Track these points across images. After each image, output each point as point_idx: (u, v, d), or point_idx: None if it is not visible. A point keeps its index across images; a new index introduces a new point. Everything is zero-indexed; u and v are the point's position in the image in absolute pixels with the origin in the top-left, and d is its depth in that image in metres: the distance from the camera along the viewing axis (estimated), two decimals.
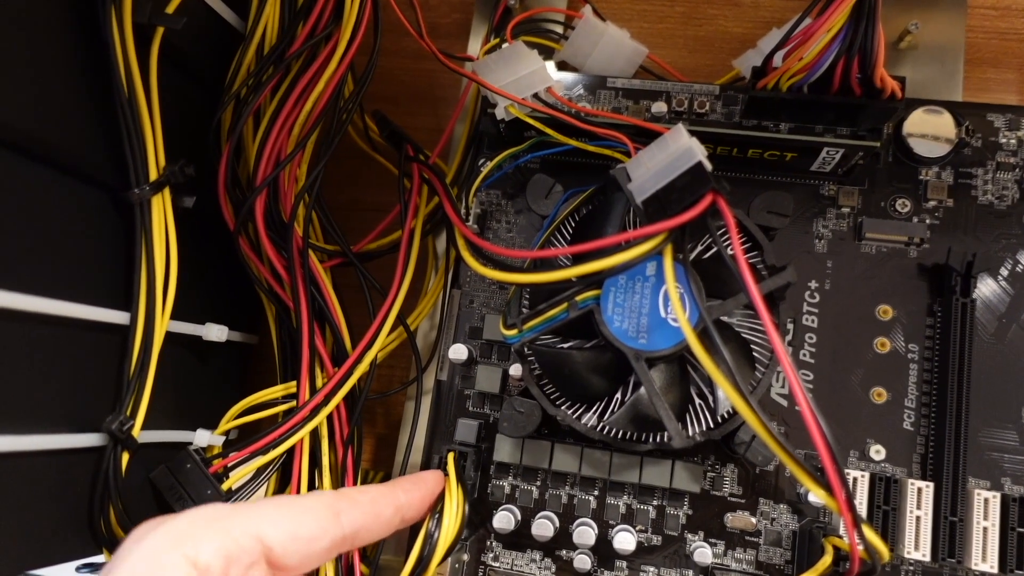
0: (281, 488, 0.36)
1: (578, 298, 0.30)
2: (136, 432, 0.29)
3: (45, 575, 0.27)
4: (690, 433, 0.29)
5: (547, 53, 0.41)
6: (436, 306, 0.39)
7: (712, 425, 0.30)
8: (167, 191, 0.29)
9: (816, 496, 0.24)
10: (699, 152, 0.27)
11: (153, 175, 0.29)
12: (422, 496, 0.30)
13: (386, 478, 0.44)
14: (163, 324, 0.29)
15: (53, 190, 0.27)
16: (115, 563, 0.21)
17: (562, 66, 0.40)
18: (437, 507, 0.31)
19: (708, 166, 0.26)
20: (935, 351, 0.33)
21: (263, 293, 0.36)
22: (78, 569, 0.30)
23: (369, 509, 0.27)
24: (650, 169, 0.28)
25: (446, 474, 0.33)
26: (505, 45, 0.35)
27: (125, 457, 0.29)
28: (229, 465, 0.33)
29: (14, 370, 0.25)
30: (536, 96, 0.33)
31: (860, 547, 0.24)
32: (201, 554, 0.21)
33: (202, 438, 0.34)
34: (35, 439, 0.26)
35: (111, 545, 0.29)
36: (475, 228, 0.37)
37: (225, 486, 0.32)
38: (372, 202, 0.42)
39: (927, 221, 0.34)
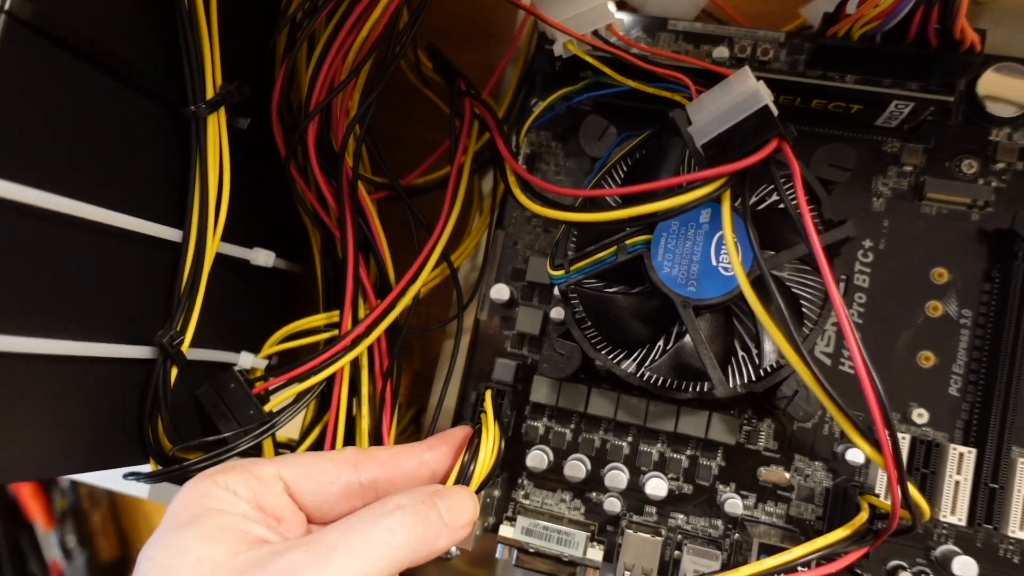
0: (319, 415, 0.37)
1: (628, 242, 0.30)
2: (185, 348, 0.29)
3: (98, 478, 0.28)
4: (731, 384, 0.29)
5: None
6: (478, 247, 0.39)
7: (755, 378, 0.30)
8: (223, 111, 0.29)
9: (862, 450, 0.23)
10: (766, 96, 0.26)
11: (210, 93, 0.29)
12: (448, 450, 0.30)
13: (419, 414, 0.44)
14: (214, 243, 0.30)
15: (114, 100, 0.27)
16: (170, 505, 0.25)
17: (621, 6, 0.39)
18: (474, 443, 0.31)
19: (775, 111, 0.26)
20: (989, 317, 0.32)
21: (310, 221, 0.36)
22: (125, 476, 0.31)
23: (389, 462, 0.28)
24: (712, 112, 0.27)
25: (483, 411, 0.33)
26: None
27: (174, 371, 0.29)
28: (271, 388, 0.33)
29: (70, 277, 0.26)
30: (596, 34, 0.32)
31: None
32: (230, 482, 0.24)
33: (246, 360, 0.35)
34: (89, 346, 0.27)
35: (158, 455, 0.30)
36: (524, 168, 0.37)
37: (267, 408, 0.33)
38: (419, 137, 0.42)
39: (993, 184, 0.33)
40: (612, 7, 0.34)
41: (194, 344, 0.30)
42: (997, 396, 0.31)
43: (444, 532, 0.25)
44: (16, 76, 0.22)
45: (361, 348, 0.33)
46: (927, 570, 0.31)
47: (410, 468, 0.28)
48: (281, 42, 0.34)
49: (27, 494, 0.68)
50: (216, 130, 0.29)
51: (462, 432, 0.31)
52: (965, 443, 0.31)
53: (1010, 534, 0.30)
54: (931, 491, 0.31)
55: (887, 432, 0.23)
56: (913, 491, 0.24)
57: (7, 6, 0.21)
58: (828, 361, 0.33)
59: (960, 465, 0.31)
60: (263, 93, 0.34)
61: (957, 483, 0.31)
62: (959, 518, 0.30)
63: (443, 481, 0.29)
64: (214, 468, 0.26)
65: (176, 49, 0.28)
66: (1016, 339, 0.30)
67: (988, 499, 0.30)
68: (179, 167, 0.30)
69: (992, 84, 0.33)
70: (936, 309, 0.33)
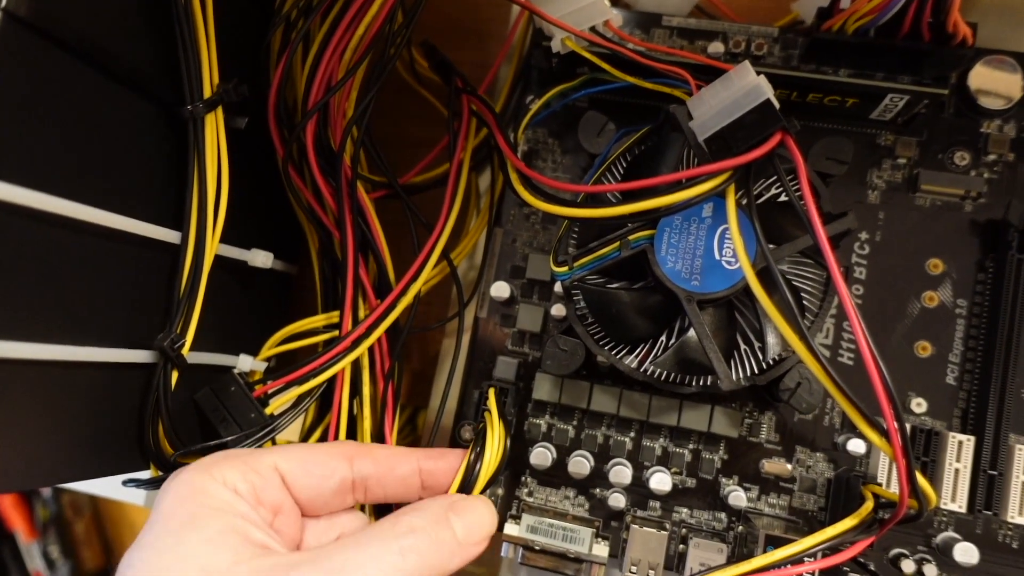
0: (320, 417, 0.37)
1: (631, 237, 0.30)
2: (186, 351, 0.29)
3: (93, 486, 0.28)
4: (735, 378, 0.29)
5: None
6: (476, 246, 0.38)
7: (758, 371, 0.30)
8: (220, 110, 0.29)
9: (870, 440, 0.24)
10: (767, 90, 0.26)
11: (207, 92, 0.28)
12: (445, 469, 0.29)
13: (415, 414, 0.44)
14: (213, 245, 0.29)
15: (110, 100, 0.26)
16: (158, 498, 0.24)
17: (615, 2, 0.39)
18: (479, 442, 0.31)
19: (776, 104, 0.26)
20: (984, 307, 0.32)
21: (307, 221, 0.36)
22: (125, 483, 0.30)
23: (383, 462, 0.27)
24: (714, 107, 0.27)
25: (487, 409, 0.33)
26: None
27: (175, 375, 0.29)
28: (270, 391, 0.33)
29: (67, 280, 0.25)
30: (593, 29, 0.32)
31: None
32: (228, 477, 0.24)
33: (245, 363, 0.35)
34: (87, 351, 0.26)
35: (158, 460, 0.30)
36: None
37: (267, 411, 0.32)
38: (414, 136, 0.42)
39: (985, 175, 0.33)
40: (608, 3, 0.34)
41: (193, 347, 0.30)
42: (994, 384, 0.31)
43: (458, 553, 0.25)
44: (12, 75, 0.22)
45: (362, 349, 0.33)
46: (928, 557, 0.31)
47: (403, 473, 0.28)
48: (276, 40, 0.34)
49: (8, 504, 0.67)
50: (214, 130, 0.29)
51: (461, 454, 0.30)
52: (963, 431, 0.32)
53: (1009, 520, 0.30)
54: (931, 479, 0.31)
55: (895, 421, 0.23)
56: (920, 479, 0.24)
57: (3, 4, 0.21)
58: (827, 352, 0.34)
59: (959, 453, 0.31)
60: (259, 92, 0.33)
61: (957, 471, 0.31)
62: (959, 505, 0.31)
63: (444, 490, 0.29)
64: (208, 459, 0.25)
65: (173, 48, 0.27)
66: (1011, 328, 0.31)
67: (987, 486, 0.31)
68: (176, 168, 0.29)
69: (983, 77, 0.33)
70: (932, 299, 0.33)
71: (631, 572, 0.31)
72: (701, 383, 0.30)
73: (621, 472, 0.33)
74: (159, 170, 0.29)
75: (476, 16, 0.43)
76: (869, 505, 0.28)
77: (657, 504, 0.34)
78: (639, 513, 0.34)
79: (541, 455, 0.34)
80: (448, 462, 0.29)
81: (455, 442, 0.35)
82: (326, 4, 0.33)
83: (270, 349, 0.35)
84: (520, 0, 0.33)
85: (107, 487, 0.30)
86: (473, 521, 0.26)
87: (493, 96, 0.39)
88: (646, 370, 0.30)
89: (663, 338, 0.31)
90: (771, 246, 0.29)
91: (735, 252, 0.28)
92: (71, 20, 0.23)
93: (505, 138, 0.32)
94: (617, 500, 0.33)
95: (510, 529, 0.32)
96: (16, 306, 0.23)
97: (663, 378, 0.30)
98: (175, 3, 0.26)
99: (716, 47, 0.35)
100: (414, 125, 0.42)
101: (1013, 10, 0.35)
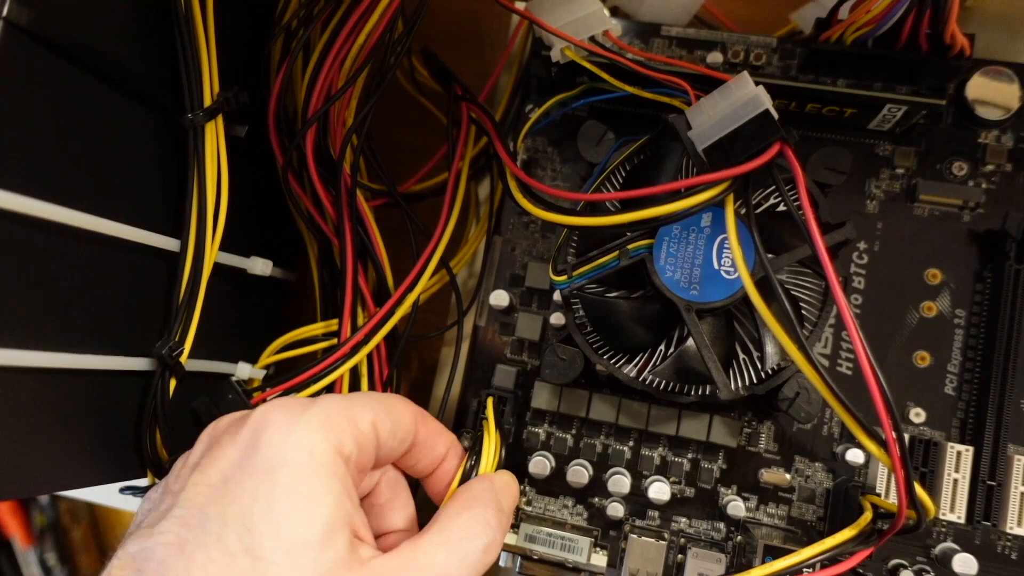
0: None
1: (630, 246, 0.30)
2: (184, 359, 0.29)
3: (90, 494, 0.27)
4: (734, 387, 0.29)
5: None
6: (476, 255, 0.38)
7: (756, 380, 0.30)
8: (220, 118, 0.29)
9: (869, 450, 0.24)
10: (766, 100, 0.26)
11: (207, 101, 0.28)
12: (455, 465, 0.29)
13: None
14: (212, 253, 0.29)
15: (111, 108, 0.26)
16: (252, 442, 0.22)
17: (615, 12, 0.40)
18: (476, 449, 0.31)
19: (775, 115, 0.26)
20: (982, 317, 0.32)
21: (306, 229, 0.36)
22: (122, 491, 0.30)
23: (428, 439, 0.27)
24: (712, 117, 0.27)
25: (484, 418, 0.33)
26: None
27: (173, 383, 0.29)
28: (268, 399, 0.33)
29: (65, 287, 0.25)
30: (593, 39, 0.32)
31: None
32: (344, 446, 0.23)
33: (243, 371, 0.35)
34: (85, 358, 0.26)
35: (156, 468, 0.29)
36: None
37: None
38: (413, 144, 0.42)
39: (983, 185, 0.33)
40: (608, 13, 0.34)
41: (191, 355, 0.30)
42: (992, 394, 0.31)
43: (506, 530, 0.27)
44: (13, 83, 0.22)
45: (360, 356, 0.33)
46: (928, 568, 0.31)
47: (436, 455, 0.28)
48: (276, 50, 0.34)
49: (4, 511, 0.66)
50: (214, 138, 0.29)
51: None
52: (962, 441, 0.32)
53: (1008, 530, 0.30)
54: (930, 489, 0.31)
55: (893, 431, 0.23)
56: (919, 490, 0.24)
57: (4, 13, 0.21)
58: (826, 362, 0.33)
59: (958, 463, 0.31)
60: (259, 100, 0.33)
61: (955, 481, 0.31)
62: (958, 516, 0.31)
63: (446, 489, 0.29)
64: (318, 412, 0.23)
65: (173, 56, 0.28)
66: (1009, 338, 0.31)
67: (986, 496, 0.31)
68: (176, 176, 0.29)
69: (980, 88, 0.33)
70: (930, 309, 0.33)
71: None
72: (700, 392, 0.30)
73: (620, 481, 0.33)
74: (159, 178, 0.29)
75: (476, 25, 0.44)
76: (868, 516, 0.28)
77: (656, 513, 0.34)
78: (638, 522, 0.34)
79: (540, 464, 0.34)
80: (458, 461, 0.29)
81: None
82: (326, 13, 0.33)
83: (269, 357, 0.35)
84: (519, 10, 0.33)
85: (104, 494, 0.30)
86: (512, 500, 0.28)
87: (493, 105, 0.39)
88: (645, 379, 0.30)
89: (662, 347, 0.31)
90: (770, 256, 0.29)
91: (734, 262, 0.28)
92: (72, 29, 0.23)
93: (504, 146, 0.32)
94: (616, 509, 0.33)
95: (508, 538, 0.32)
96: (14, 313, 0.23)
97: (662, 387, 0.30)
98: (176, 12, 0.26)
99: (715, 57, 0.36)
100: (414, 133, 0.42)
101: (1010, 21, 0.35)
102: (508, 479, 0.29)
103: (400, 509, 0.28)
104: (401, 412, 0.26)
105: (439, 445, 0.28)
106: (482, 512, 0.26)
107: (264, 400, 0.33)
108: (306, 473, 0.21)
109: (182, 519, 0.21)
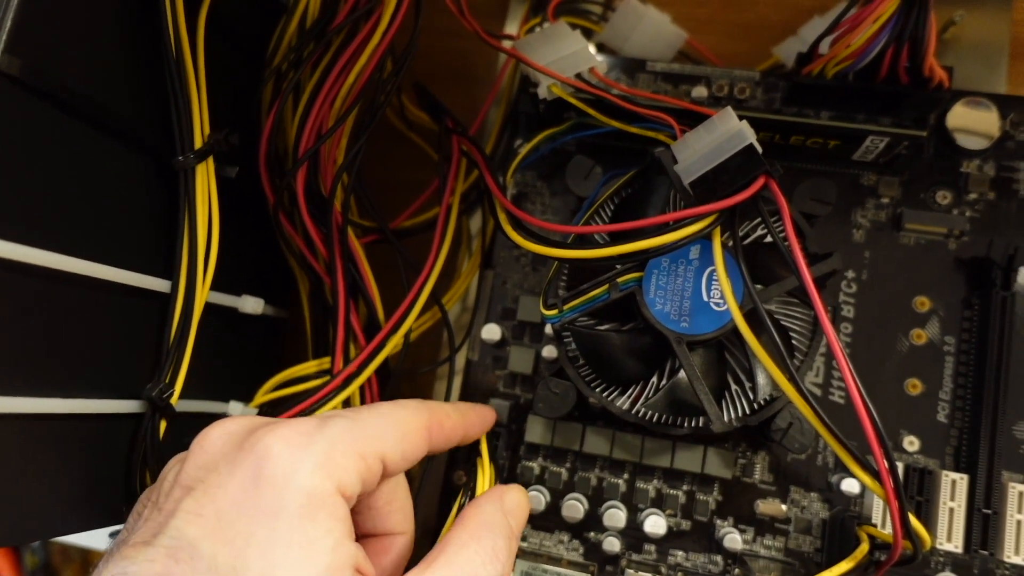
0: None
1: (620, 280, 0.30)
2: (175, 401, 0.29)
3: (80, 538, 0.27)
4: (726, 418, 0.29)
5: (586, 35, 0.40)
6: (469, 290, 0.39)
7: (749, 411, 0.30)
8: (211, 160, 0.29)
9: (862, 482, 0.24)
10: (750, 135, 0.27)
11: (198, 143, 0.28)
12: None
13: None
14: (203, 293, 0.29)
15: (101, 153, 0.26)
16: (243, 472, 0.21)
17: (601, 48, 0.40)
18: (470, 484, 0.31)
19: (759, 148, 0.26)
20: (972, 344, 0.33)
21: (298, 267, 0.36)
22: (112, 535, 0.30)
23: (450, 434, 0.28)
24: (698, 151, 0.27)
25: (478, 453, 0.33)
26: (546, 24, 0.35)
27: (163, 425, 0.29)
28: None
29: (55, 331, 0.25)
30: (579, 76, 0.33)
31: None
32: (348, 487, 0.22)
33: (235, 409, 0.34)
34: (74, 403, 0.26)
35: None
36: None
37: None
38: (403, 181, 0.42)
39: (967, 214, 0.34)
40: (593, 50, 0.35)
41: (183, 395, 0.30)
42: (984, 422, 0.31)
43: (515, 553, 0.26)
44: (3, 131, 0.22)
45: (353, 387, 0.33)
46: None
47: (454, 441, 0.28)
48: (267, 90, 0.34)
49: None
50: (205, 180, 0.29)
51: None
52: (956, 469, 0.32)
53: (1006, 559, 0.30)
54: (926, 518, 0.31)
55: (886, 462, 0.23)
56: (913, 521, 0.24)
57: None
58: (818, 391, 0.34)
59: (953, 491, 0.31)
60: (250, 140, 0.34)
61: (951, 510, 0.31)
62: (955, 545, 0.31)
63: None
64: (322, 449, 0.21)
65: (163, 99, 0.28)
66: (999, 364, 0.31)
67: (982, 525, 0.30)
68: (166, 217, 0.29)
69: (961, 117, 0.34)
70: (920, 337, 0.33)
71: None
72: (693, 424, 0.30)
73: (615, 515, 0.33)
74: (149, 220, 0.29)
75: (464, 62, 0.44)
76: (865, 547, 0.28)
77: (652, 547, 0.33)
78: (634, 557, 0.33)
79: (534, 499, 0.34)
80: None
81: (447, 487, 0.35)
82: (316, 55, 0.33)
83: (263, 395, 0.35)
84: (506, 48, 0.34)
85: (94, 539, 0.29)
86: (523, 518, 0.28)
87: (482, 140, 0.39)
88: (638, 412, 0.30)
89: (654, 379, 0.31)
90: (758, 287, 0.29)
91: (723, 294, 0.28)
92: (62, 76, 0.24)
93: (494, 179, 0.33)
94: (612, 544, 0.33)
95: None
96: (3, 359, 0.23)
97: (655, 420, 0.30)
98: (167, 57, 0.27)
99: (700, 91, 0.36)
100: (405, 170, 0.42)
101: (987, 53, 0.36)
102: (519, 498, 0.28)
103: (398, 511, 0.27)
104: (415, 434, 0.25)
105: (453, 437, 0.28)
106: (491, 542, 0.24)
107: None
108: (305, 518, 0.21)
109: (170, 550, 0.20)
